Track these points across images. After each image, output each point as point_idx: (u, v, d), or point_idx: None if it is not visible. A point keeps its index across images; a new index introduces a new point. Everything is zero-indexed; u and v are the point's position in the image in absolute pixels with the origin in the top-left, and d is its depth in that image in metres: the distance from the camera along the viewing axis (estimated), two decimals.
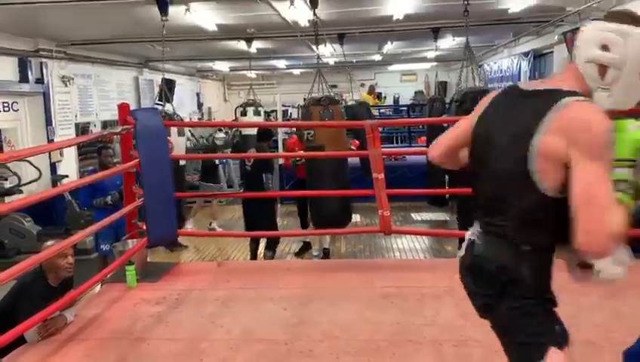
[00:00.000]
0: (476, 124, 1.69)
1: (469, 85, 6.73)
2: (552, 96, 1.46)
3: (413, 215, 8.66)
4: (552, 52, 8.73)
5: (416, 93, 17.36)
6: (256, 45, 9.24)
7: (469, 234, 1.70)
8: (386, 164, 4.35)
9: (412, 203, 8.71)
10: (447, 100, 8.77)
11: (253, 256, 6.09)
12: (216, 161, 8.67)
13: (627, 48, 1.41)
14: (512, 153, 1.50)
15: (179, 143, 6.34)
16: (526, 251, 1.52)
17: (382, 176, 4.12)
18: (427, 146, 9.32)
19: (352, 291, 3.56)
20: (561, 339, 1.51)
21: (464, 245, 1.71)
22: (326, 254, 6.39)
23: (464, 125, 1.76)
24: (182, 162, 6.49)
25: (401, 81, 18.18)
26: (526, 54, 9.81)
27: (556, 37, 8.02)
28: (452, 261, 5.30)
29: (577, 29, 6.88)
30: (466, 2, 5.71)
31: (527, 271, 1.52)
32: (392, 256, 6.74)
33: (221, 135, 10.39)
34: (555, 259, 1.56)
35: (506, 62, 11.28)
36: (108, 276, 3.72)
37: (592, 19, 1.44)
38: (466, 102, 5.57)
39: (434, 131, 8.83)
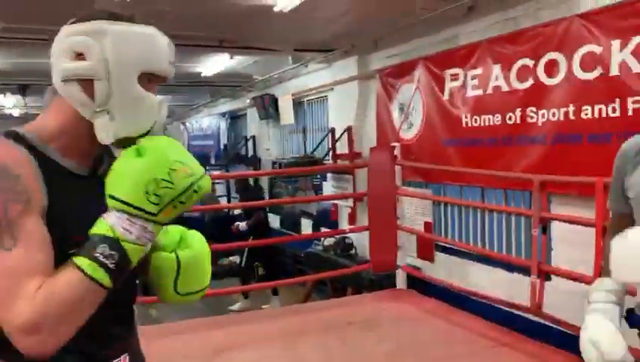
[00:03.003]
0: None
1: None
2: None
3: None
4: (245, 113, 9.48)
5: None
6: None
7: None
8: None
9: None
10: None
11: None
12: None
13: (106, 49, 0.97)
14: None
15: None
16: None
17: None
18: None
19: None
20: None
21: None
22: None
23: None
24: None
25: None
26: (223, 114, 10.48)
27: (247, 100, 8.76)
28: None
29: (266, 94, 7.67)
30: None
31: None
32: None
33: None
34: None
35: (206, 121, 11.79)
36: None
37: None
38: None
39: None
